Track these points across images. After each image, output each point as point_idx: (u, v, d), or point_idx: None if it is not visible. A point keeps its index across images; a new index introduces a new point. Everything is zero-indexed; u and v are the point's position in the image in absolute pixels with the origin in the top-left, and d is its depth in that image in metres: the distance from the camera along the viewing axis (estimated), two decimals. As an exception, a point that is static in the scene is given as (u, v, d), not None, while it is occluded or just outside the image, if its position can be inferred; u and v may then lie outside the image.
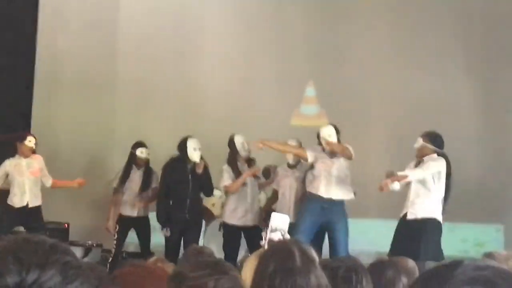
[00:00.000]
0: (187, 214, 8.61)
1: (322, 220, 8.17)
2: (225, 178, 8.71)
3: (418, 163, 7.88)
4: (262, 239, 3.16)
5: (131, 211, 9.15)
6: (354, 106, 10.32)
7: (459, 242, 8.47)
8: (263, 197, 9.24)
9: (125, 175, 9.17)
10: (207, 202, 9.38)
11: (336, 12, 10.68)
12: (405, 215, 7.83)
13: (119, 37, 10.98)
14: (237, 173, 8.68)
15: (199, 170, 8.64)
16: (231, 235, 8.67)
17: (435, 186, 7.76)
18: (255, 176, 8.80)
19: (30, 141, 8.76)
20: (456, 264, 1.20)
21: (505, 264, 3.86)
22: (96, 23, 10.87)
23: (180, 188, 8.64)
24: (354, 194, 8.39)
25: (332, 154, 8.27)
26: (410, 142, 8.09)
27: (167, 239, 8.71)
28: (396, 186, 7.67)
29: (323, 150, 8.28)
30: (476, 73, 10.29)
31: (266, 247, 3.09)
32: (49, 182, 8.89)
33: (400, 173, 7.69)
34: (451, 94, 10.29)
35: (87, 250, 9.73)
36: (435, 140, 7.89)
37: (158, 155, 9.17)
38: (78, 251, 9.04)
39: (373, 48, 10.47)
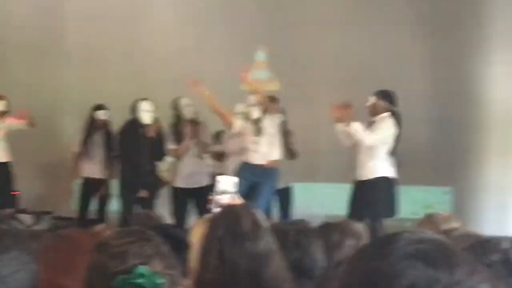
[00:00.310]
0: (142, 179, 8.54)
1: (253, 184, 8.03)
2: (170, 141, 8.67)
3: (370, 123, 7.83)
4: (209, 203, 3.14)
5: (94, 174, 9.04)
6: (302, 71, 10.32)
7: (409, 204, 8.55)
8: (210, 162, 9.18)
9: (86, 138, 9.04)
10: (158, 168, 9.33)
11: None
12: (357, 177, 7.88)
13: (67, 1, 10.80)
14: (179, 135, 8.62)
15: (151, 134, 8.56)
16: (179, 198, 8.61)
17: (384, 147, 7.80)
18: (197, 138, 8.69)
19: None
20: (394, 238, 1.19)
21: (445, 225, 3.89)
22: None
23: (133, 152, 8.57)
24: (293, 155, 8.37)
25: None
26: (357, 107, 8.13)
27: (124, 205, 8.64)
28: (340, 127, 7.70)
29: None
30: (424, 36, 10.35)
31: (213, 210, 3.07)
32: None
33: (354, 126, 7.62)
34: (399, 58, 10.33)
35: (37, 218, 9.58)
36: (388, 97, 7.84)
37: (111, 118, 9.14)
38: (27, 219, 8.93)
39: (322, 13, 10.46)
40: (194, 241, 2.77)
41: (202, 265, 2.57)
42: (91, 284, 1.87)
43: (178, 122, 8.73)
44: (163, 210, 8.34)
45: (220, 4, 10.65)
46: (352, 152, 7.85)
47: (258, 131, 8.03)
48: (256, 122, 8.09)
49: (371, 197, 7.73)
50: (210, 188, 8.52)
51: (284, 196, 8.94)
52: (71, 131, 9.31)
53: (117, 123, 8.97)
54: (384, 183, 7.81)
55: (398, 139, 7.81)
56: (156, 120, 8.62)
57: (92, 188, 9.09)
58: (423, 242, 1.18)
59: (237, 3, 10.62)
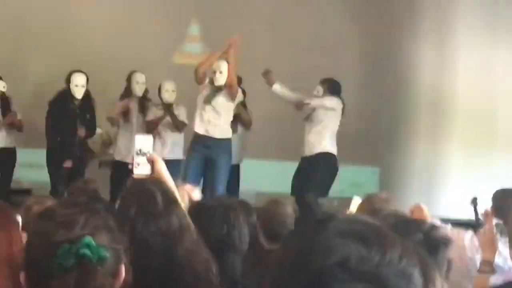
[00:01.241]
0: (73, 151, 8.45)
1: (205, 157, 8.10)
2: (113, 111, 8.62)
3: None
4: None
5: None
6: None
7: (336, 183, 8.65)
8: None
9: None
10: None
11: None
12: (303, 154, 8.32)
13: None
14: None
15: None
16: (118, 171, 8.53)
17: (328, 122, 8.17)
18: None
19: None
20: (330, 217, 1.20)
21: (385, 205, 3.94)
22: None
23: (65, 124, 8.46)
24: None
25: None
26: (292, 82, 8.24)
27: (54, 176, 8.54)
28: (277, 87, 8.28)
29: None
30: (355, 17, 10.42)
31: (134, 172, 3.03)
32: None
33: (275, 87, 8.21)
34: (332, 36, 10.39)
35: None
36: (335, 87, 8.39)
37: (42, 88, 8.99)
38: None
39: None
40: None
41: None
42: (32, 251, 1.83)
43: (125, 95, 8.65)
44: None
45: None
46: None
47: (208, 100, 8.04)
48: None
49: (313, 173, 8.01)
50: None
51: (233, 172, 8.95)
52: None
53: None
54: (326, 159, 8.09)
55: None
56: (87, 93, 8.51)
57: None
58: (357, 222, 1.20)
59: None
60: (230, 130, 8.21)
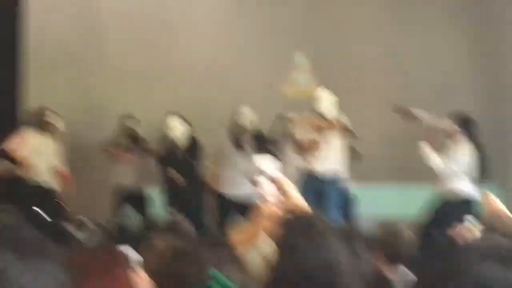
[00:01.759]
0: None
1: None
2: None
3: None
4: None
5: None
6: (347, 74, 10.26)
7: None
8: None
9: None
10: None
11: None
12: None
13: (103, 16, 10.79)
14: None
15: None
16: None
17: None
18: None
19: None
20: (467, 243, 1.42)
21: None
22: (80, 3, 10.72)
23: None
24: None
25: None
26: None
27: None
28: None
29: None
30: (465, 40, 10.25)
31: (260, 193, 2.91)
32: None
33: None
34: (444, 63, 10.25)
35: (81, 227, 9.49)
36: (467, 124, 7.90)
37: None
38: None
39: (366, 17, 10.42)
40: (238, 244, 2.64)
41: (276, 272, 2.47)
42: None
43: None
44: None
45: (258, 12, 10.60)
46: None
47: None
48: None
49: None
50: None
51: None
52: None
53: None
54: None
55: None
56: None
57: None
58: (492, 244, 1.28)
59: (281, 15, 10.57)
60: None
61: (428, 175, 7.90)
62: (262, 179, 2.84)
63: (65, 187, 8.70)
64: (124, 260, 2.45)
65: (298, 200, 2.83)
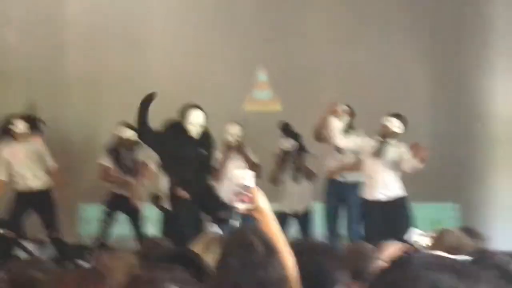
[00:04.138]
0: None
1: None
2: None
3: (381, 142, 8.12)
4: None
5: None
6: (306, 89, 10.30)
7: (417, 221, 8.51)
8: None
9: None
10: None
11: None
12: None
13: (65, 30, 10.77)
14: None
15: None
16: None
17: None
18: None
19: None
20: (412, 254, 1.33)
21: (462, 241, 3.81)
22: (41, 17, 10.66)
23: None
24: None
25: None
26: (361, 122, 8.15)
27: None
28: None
29: None
30: (427, 51, 10.34)
31: (237, 207, 2.98)
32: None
33: None
34: (404, 73, 10.32)
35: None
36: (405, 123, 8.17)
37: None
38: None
39: (322, 30, 10.47)
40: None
41: None
42: None
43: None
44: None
45: (220, 24, 10.61)
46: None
47: None
48: None
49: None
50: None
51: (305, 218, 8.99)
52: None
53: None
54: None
55: None
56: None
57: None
58: (439, 257, 1.28)
59: (238, 23, 10.59)
60: None
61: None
62: (241, 195, 2.94)
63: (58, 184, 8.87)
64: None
65: (267, 210, 2.92)
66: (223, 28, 10.61)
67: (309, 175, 8.86)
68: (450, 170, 10.02)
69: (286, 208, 8.78)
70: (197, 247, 3.89)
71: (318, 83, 10.36)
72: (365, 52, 10.32)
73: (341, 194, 8.67)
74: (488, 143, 10.35)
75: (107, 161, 9.04)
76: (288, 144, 8.84)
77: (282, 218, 8.77)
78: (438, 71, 10.33)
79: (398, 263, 1.28)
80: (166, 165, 7.93)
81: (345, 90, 10.20)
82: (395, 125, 8.11)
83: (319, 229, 9.14)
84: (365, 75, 10.28)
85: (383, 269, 1.34)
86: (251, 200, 2.93)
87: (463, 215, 10.10)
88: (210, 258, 3.22)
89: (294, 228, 8.99)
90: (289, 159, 8.84)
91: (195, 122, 7.80)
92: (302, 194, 8.88)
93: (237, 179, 3.00)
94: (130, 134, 8.87)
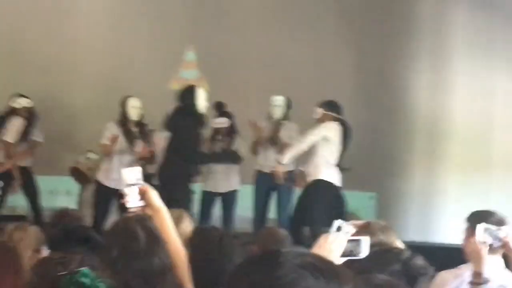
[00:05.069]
0: None
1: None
2: (104, 135, 8.58)
3: None
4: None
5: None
6: (234, 72, 10.34)
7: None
8: None
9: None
10: (83, 166, 9.23)
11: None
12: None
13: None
14: (126, 134, 8.55)
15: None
16: (103, 196, 8.53)
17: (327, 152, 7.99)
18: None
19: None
20: (277, 252, 1.21)
21: (383, 235, 3.89)
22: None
23: None
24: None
25: None
26: (297, 110, 8.32)
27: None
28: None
29: None
30: (351, 41, 10.45)
31: (127, 206, 2.96)
32: None
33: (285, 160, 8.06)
34: (327, 62, 10.42)
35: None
36: (334, 108, 8.13)
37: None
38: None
39: (251, 14, 10.50)
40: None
41: None
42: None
43: (122, 121, 8.64)
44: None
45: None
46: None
47: None
48: None
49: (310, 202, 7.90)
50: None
51: (229, 199, 8.99)
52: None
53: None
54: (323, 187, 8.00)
55: (346, 147, 8.15)
56: None
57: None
58: (308, 256, 1.21)
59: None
60: None
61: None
62: (131, 192, 2.93)
63: None
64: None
65: (159, 206, 2.94)
66: (152, 5, 10.56)
67: (235, 157, 8.88)
68: (369, 160, 10.18)
69: (211, 188, 8.84)
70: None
71: (245, 65, 10.41)
72: (291, 39, 10.39)
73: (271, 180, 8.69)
74: (408, 136, 10.55)
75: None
76: (220, 122, 8.84)
77: (207, 198, 8.86)
78: (362, 64, 10.46)
79: (268, 259, 1.20)
80: None
81: (271, 75, 10.29)
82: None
83: (246, 212, 9.17)
84: (290, 62, 10.34)
85: (242, 267, 1.25)
86: (143, 198, 2.92)
87: (380, 204, 10.30)
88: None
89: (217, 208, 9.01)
90: (218, 138, 8.85)
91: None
92: (227, 175, 8.92)
93: (126, 178, 2.98)
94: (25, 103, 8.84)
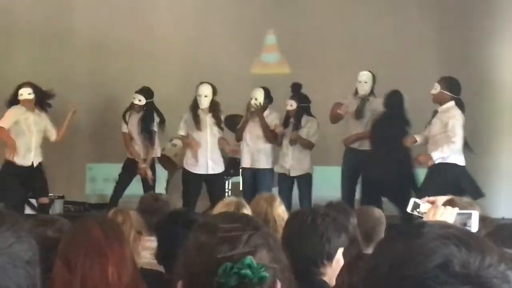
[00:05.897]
0: None
1: None
2: (181, 127, 8.68)
3: (435, 113, 8.01)
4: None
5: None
6: (314, 53, 10.30)
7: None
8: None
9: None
10: (170, 152, 9.33)
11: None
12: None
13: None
14: (196, 120, 8.61)
15: None
16: (191, 183, 8.63)
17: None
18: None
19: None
20: (422, 224, 1.23)
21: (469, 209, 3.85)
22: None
23: None
24: None
25: None
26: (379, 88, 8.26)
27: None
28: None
29: None
30: (432, 18, 10.30)
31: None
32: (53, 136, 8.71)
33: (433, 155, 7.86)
34: (408, 41, 10.30)
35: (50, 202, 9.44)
36: (453, 87, 8.00)
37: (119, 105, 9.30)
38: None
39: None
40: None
41: None
42: (193, 266, 1.77)
43: (193, 107, 8.69)
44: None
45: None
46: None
47: None
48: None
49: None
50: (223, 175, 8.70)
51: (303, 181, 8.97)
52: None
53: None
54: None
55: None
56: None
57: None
58: (451, 227, 1.22)
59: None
60: None
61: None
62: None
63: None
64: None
65: None
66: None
67: (304, 142, 8.85)
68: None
69: (283, 170, 8.86)
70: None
71: (325, 46, 10.36)
72: (371, 18, 10.29)
73: (358, 160, 8.70)
74: (493, 108, 10.35)
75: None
76: (292, 104, 8.79)
77: (281, 179, 8.86)
78: (444, 38, 10.29)
79: (404, 232, 1.23)
80: None
81: (351, 55, 10.22)
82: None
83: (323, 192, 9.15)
84: (370, 41, 10.24)
85: (386, 238, 1.29)
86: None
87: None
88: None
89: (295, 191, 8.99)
90: (290, 121, 8.84)
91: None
92: (298, 158, 8.91)
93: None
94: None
